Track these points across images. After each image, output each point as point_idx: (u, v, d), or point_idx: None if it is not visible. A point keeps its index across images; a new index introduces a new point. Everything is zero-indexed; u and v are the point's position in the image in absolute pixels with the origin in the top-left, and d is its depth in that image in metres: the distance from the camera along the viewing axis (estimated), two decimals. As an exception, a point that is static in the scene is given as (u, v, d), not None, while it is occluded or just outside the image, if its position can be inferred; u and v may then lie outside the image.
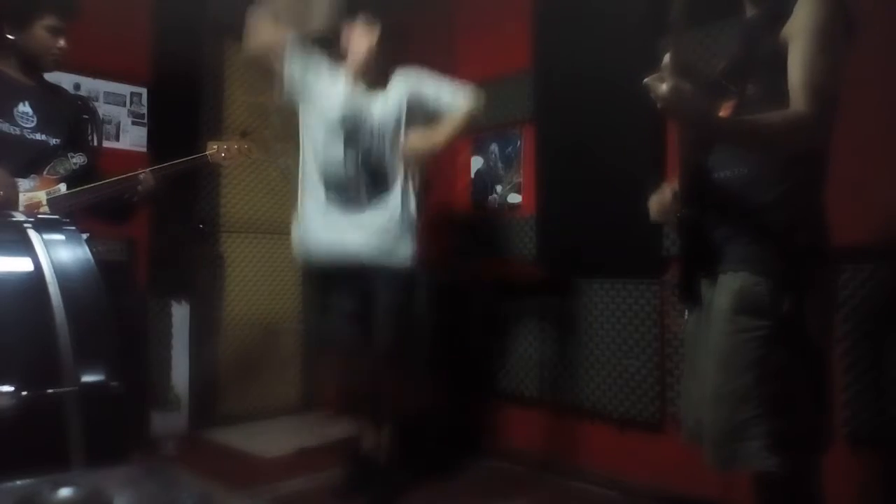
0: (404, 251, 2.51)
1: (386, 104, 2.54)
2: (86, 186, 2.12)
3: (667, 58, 1.38)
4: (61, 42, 2.13)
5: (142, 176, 2.20)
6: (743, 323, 1.47)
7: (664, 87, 1.35)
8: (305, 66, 2.54)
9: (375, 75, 2.55)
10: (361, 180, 2.49)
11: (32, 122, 2.11)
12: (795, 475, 1.46)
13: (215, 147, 2.41)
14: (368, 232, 2.48)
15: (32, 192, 2.05)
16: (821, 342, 1.52)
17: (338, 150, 2.48)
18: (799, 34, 1.44)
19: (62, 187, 2.11)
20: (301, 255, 2.65)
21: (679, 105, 1.36)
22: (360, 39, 2.51)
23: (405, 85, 2.57)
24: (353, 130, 2.49)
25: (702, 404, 1.57)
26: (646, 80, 1.40)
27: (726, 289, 1.51)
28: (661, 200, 1.67)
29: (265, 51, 2.53)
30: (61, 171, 2.13)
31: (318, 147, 2.53)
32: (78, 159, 2.17)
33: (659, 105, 1.38)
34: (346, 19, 2.53)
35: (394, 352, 2.49)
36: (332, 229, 2.51)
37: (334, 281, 2.55)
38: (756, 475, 1.53)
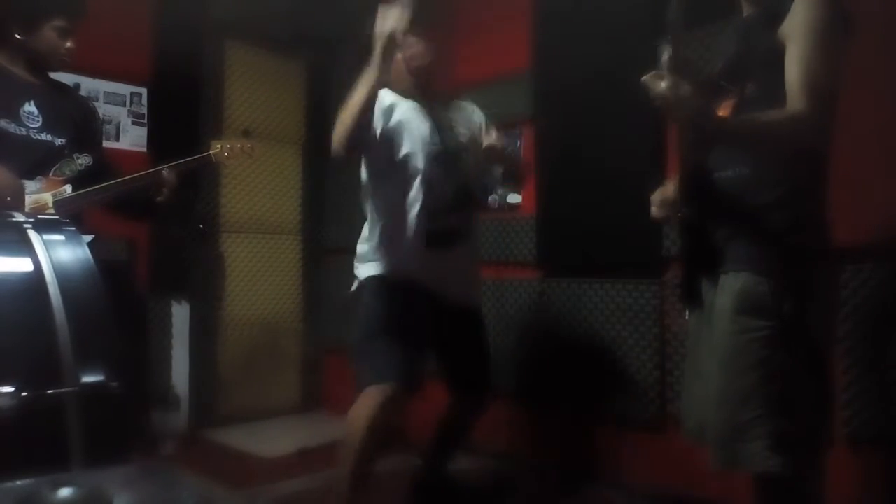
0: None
1: (464, 126, 2.36)
2: (92, 188, 2.12)
3: (665, 56, 1.38)
4: (69, 43, 2.13)
5: (147, 175, 2.20)
6: (745, 323, 1.47)
7: (662, 86, 1.36)
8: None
9: (434, 93, 2.34)
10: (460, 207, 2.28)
11: (38, 121, 2.10)
12: (797, 475, 1.46)
13: (218, 146, 2.40)
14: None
15: (38, 194, 2.05)
16: (822, 342, 1.52)
17: (438, 181, 2.21)
18: (796, 33, 1.44)
19: (68, 188, 2.10)
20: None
21: (677, 104, 1.37)
22: (420, 50, 2.26)
23: (473, 113, 2.43)
24: (448, 157, 2.26)
25: (704, 405, 1.57)
26: (644, 78, 1.41)
27: (728, 289, 1.51)
28: (663, 197, 1.67)
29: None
30: (67, 172, 2.12)
31: (414, 179, 2.21)
32: (83, 160, 2.16)
33: (657, 103, 1.38)
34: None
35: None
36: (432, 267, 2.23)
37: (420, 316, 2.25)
38: (757, 475, 1.53)
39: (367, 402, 2.04)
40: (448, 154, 2.25)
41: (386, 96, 2.21)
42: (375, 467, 2.08)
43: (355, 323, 2.27)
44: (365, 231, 2.31)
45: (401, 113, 2.23)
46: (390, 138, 2.19)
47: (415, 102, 2.27)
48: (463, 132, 2.33)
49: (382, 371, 2.07)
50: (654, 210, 1.67)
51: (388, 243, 2.23)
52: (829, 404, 1.54)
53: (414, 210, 2.19)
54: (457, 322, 2.32)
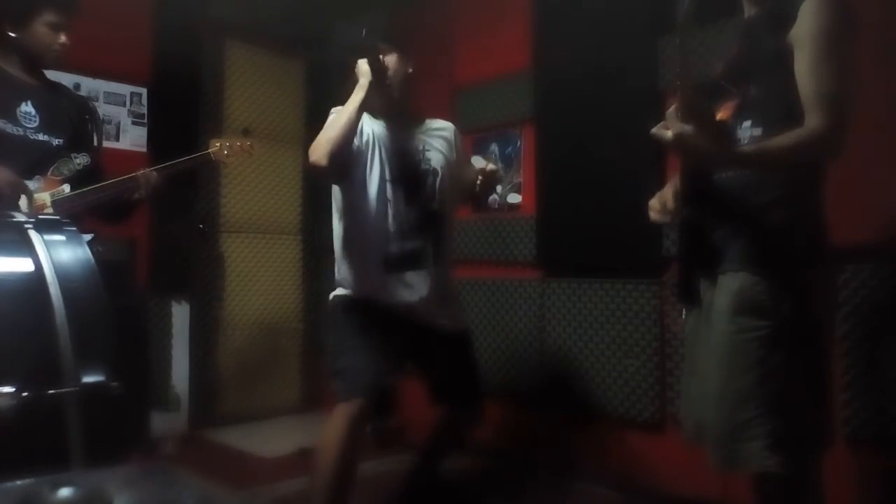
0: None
1: (436, 146, 2.30)
2: (90, 187, 2.12)
3: (673, 107, 1.44)
4: (62, 38, 2.12)
5: (145, 175, 2.19)
6: (743, 323, 1.47)
7: (669, 135, 1.40)
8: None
9: (405, 114, 2.29)
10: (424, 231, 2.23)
11: (35, 122, 2.10)
12: (796, 475, 1.46)
13: (217, 144, 2.40)
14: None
15: (37, 194, 2.05)
16: (821, 342, 1.52)
17: (400, 203, 2.19)
18: (805, 42, 1.43)
19: (66, 188, 2.10)
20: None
21: (686, 149, 1.42)
22: (401, 71, 2.21)
23: (448, 133, 2.37)
24: (414, 179, 2.23)
25: (703, 405, 1.57)
26: (652, 130, 1.46)
27: (726, 289, 1.51)
28: (661, 200, 1.67)
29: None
30: (65, 171, 2.12)
31: (377, 201, 2.18)
32: (81, 159, 2.17)
33: (669, 151, 1.43)
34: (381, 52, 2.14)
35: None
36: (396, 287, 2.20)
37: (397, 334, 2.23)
38: (757, 475, 1.53)
39: (336, 419, 2.05)
40: (413, 177, 2.22)
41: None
42: (355, 477, 2.08)
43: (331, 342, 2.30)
44: (335, 250, 2.29)
45: (367, 133, 2.20)
46: (357, 161, 2.17)
47: (383, 122, 2.24)
48: (434, 154, 2.28)
49: (349, 388, 2.09)
50: (653, 215, 1.68)
51: (353, 266, 2.23)
52: (827, 404, 1.54)
53: (375, 234, 2.17)
54: (438, 343, 2.27)
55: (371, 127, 2.21)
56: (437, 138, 2.33)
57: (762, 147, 1.45)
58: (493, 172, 2.27)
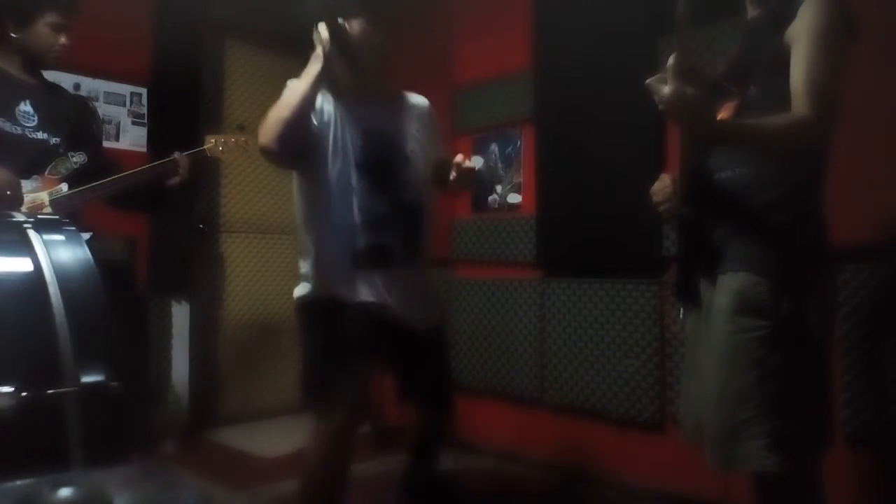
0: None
1: (409, 131, 2.09)
2: (88, 186, 2.13)
3: (671, 59, 1.36)
4: (63, 39, 2.13)
5: (182, 158, 2.23)
6: (743, 323, 1.47)
7: (666, 90, 1.35)
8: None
9: (377, 96, 2.06)
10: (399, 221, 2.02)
11: (34, 121, 2.11)
12: (795, 475, 1.46)
13: (213, 140, 2.42)
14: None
15: (35, 193, 2.05)
16: (821, 342, 1.52)
17: (366, 193, 1.97)
18: (802, 37, 1.44)
19: (64, 187, 2.11)
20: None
21: (681, 109, 1.36)
22: (370, 40, 1.98)
23: (428, 118, 2.15)
24: (381, 168, 2.00)
25: (702, 404, 1.57)
26: (648, 81, 1.41)
27: (726, 289, 1.51)
28: (661, 187, 1.66)
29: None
30: (62, 170, 2.13)
31: (341, 191, 1.97)
32: (78, 158, 2.18)
33: (661, 107, 1.38)
34: (342, 15, 1.92)
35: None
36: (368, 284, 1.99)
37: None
38: (756, 475, 1.53)
39: (316, 445, 1.92)
40: (383, 164, 1.99)
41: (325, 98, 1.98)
42: (346, 488, 1.98)
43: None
44: (299, 242, 2.11)
45: (328, 113, 1.97)
46: (317, 145, 1.95)
47: (350, 104, 1.99)
48: (408, 138, 2.06)
49: (329, 408, 1.91)
50: (656, 200, 1.67)
51: (318, 261, 2.01)
52: (827, 404, 1.54)
53: (339, 227, 1.95)
54: (408, 344, 2.06)
55: (334, 106, 1.97)
56: (413, 118, 2.10)
57: (751, 123, 1.45)
58: (469, 170, 1.96)
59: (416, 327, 2.05)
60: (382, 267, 1.97)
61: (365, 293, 1.96)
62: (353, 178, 1.96)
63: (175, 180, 2.24)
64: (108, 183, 2.15)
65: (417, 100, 2.17)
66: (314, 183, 2.00)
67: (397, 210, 2.00)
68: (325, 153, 1.96)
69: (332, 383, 1.94)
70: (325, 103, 1.97)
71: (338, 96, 1.99)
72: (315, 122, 1.93)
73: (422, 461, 2.44)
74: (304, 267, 2.07)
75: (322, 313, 2.01)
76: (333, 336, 1.96)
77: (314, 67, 1.84)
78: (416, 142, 2.08)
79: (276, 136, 1.83)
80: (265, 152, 1.87)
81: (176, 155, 2.24)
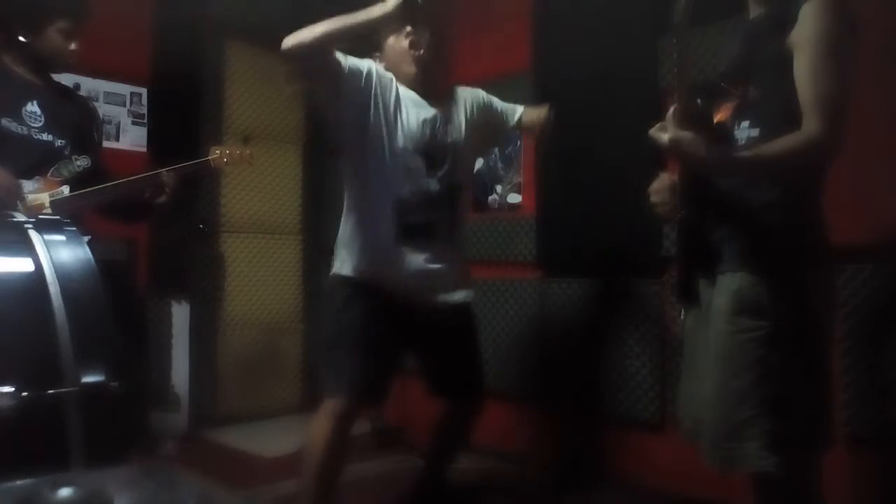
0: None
1: (459, 120, 2.25)
2: (89, 189, 2.12)
3: (671, 110, 1.44)
4: (73, 45, 2.13)
5: (145, 178, 2.20)
6: (742, 323, 1.47)
7: (665, 138, 1.42)
8: (369, 70, 2.10)
9: (434, 86, 2.24)
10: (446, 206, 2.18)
11: (40, 121, 2.11)
12: (794, 475, 1.46)
13: (217, 152, 2.42)
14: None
15: (36, 194, 2.05)
16: (820, 342, 1.52)
17: (421, 174, 2.12)
18: (805, 45, 1.42)
19: (65, 189, 2.11)
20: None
21: (681, 153, 1.44)
22: (426, 41, 2.18)
23: (472, 100, 2.31)
24: (436, 151, 2.17)
25: (701, 404, 1.57)
26: (650, 131, 1.48)
27: (725, 289, 1.51)
28: (660, 187, 1.66)
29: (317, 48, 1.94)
30: (65, 173, 2.14)
31: (396, 170, 2.11)
32: (81, 161, 2.18)
33: (665, 153, 1.45)
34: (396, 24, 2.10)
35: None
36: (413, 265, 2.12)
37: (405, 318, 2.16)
38: (755, 475, 1.53)
39: (322, 418, 2.00)
40: (436, 148, 2.15)
41: (391, 80, 2.14)
42: (341, 478, 2.04)
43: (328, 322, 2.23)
44: (342, 222, 2.22)
45: (397, 100, 2.13)
46: (382, 124, 2.08)
47: (413, 93, 2.17)
48: (455, 127, 2.22)
49: (338, 384, 2.02)
50: (654, 200, 1.67)
51: (361, 236, 2.13)
52: (826, 404, 1.53)
53: (389, 201, 2.07)
54: (439, 325, 2.19)
55: (401, 94, 2.14)
56: (462, 109, 2.27)
57: (758, 152, 1.45)
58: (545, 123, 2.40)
59: (451, 303, 2.20)
60: (427, 244, 2.12)
61: (409, 266, 2.09)
62: (410, 160, 2.11)
63: (162, 199, 2.20)
64: (109, 188, 2.15)
65: (469, 92, 2.34)
66: (372, 161, 2.11)
67: (445, 191, 2.15)
68: (387, 134, 2.09)
69: (352, 366, 2.04)
70: (396, 86, 2.13)
71: (402, 82, 2.16)
72: (385, 104, 2.09)
73: (438, 463, 2.44)
74: (348, 246, 2.17)
75: (359, 295, 2.10)
76: (365, 320, 2.07)
77: (377, 10, 1.88)
78: (463, 131, 2.24)
79: (301, 41, 1.88)
80: (288, 52, 1.91)
81: (163, 172, 2.20)
